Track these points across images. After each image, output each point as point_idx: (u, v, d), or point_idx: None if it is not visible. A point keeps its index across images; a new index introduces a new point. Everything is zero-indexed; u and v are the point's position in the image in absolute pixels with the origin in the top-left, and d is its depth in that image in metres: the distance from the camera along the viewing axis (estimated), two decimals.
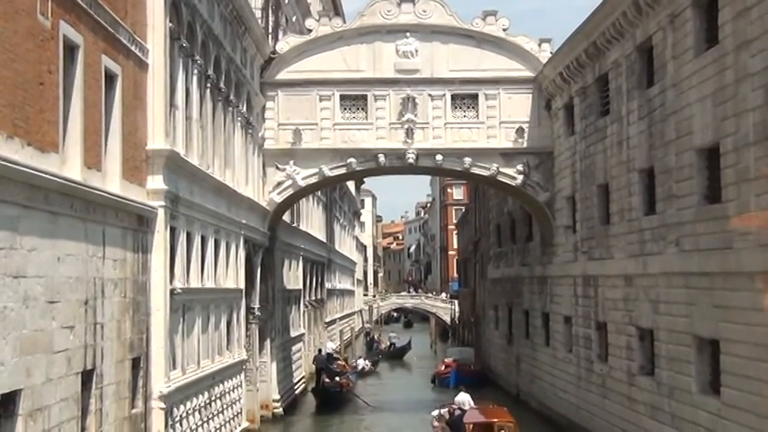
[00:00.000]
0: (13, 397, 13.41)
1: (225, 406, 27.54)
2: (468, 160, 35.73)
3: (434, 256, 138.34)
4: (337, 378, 44.45)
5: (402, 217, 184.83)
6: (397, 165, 36.48)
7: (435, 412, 32.28)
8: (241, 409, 30.15)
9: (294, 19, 44.38)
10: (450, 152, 35.86)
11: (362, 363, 59.18)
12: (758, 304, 18.82)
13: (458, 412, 29.32)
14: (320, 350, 49.54)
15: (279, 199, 35.72)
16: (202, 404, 24.59)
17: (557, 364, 35.22)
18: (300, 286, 47.37)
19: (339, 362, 51.60)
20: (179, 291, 22.10)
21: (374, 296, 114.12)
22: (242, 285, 30.47)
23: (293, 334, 44.03)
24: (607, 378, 28.93)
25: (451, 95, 36.00)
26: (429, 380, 51.65)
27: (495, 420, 28.69)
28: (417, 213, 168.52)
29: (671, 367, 23.62)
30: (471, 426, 28.49)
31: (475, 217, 59.93)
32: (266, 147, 35.28)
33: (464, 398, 31.03)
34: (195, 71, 24.90)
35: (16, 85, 13.85)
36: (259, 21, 33.29)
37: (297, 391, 43.74)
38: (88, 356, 16.49)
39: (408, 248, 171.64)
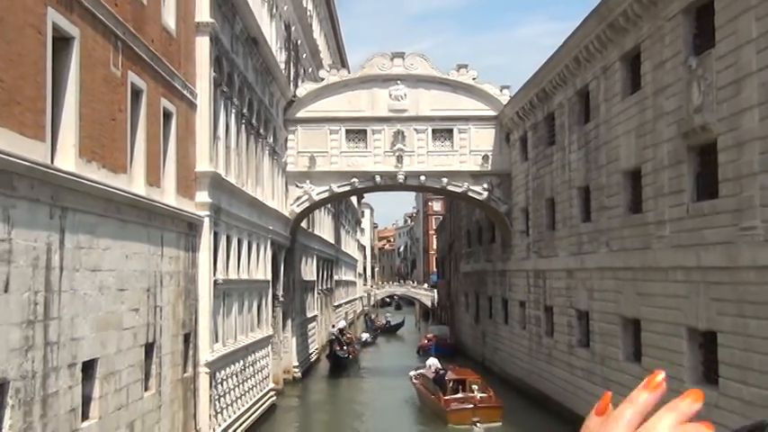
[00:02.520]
0: (92, 364, 13.50)
1: (256, 371, 27.51)
2: (445, 180, 35.75)
3: (418, 255, 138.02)
4: (345, 347, 44.64)
5: (393, 224, 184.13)
6: (390, 183, 36.52)
7: (412, 372, 33.24)
8: (268, 374, 30.14)
9: (310, 70, 44.44)
10: (431, 174, 35.86)
11: (366, 336, 60.57)
12: (667, 292, 18.90)
13: (441, 372, 30.09)
14: (334, 326, 50.11)
15: (298, 210, 35.73)
16: (238, 370, 24.57)
17: (513, 339, 35.20)
18: (314, 278, 47.32)
19: (348, 335, 51.74)
20: (220, 281, 22.10)
21: (371, 286, 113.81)
22: (269, 277, 30.48)
23: (309, 315, 43.96)
24: (552, 349, 28.97)
25: (432, 130, 36.01)
26: (415, 350, 51.60)
27: (467, 377, 29.42)
28: (405, 221, 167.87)
29: (602, 341, 23.68)
30: (451, 381, 29.05)
31: (450, 224, 59.89)
32: (288, 170, 35.27)
33: (433, 361, 32.15)
34: (233, 110, 24.93)
35: (94, 120, 13.91)
36: (283, 71, 33.33)
37: (312, 360, 43.67)
38: (150, 332, 16.52)
39: (398, 249, 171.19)
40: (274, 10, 32.66)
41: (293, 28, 38.55)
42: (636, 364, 21.14)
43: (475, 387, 28.39)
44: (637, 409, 0.88)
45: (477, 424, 26.33)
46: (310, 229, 44.81)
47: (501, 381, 34.14)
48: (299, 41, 40.72)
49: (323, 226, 52.35)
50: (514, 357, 35.03)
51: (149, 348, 16.50)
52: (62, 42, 12.90)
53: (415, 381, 32.15)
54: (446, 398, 27.65)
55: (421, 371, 32.36)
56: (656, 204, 19.78)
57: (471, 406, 26.95)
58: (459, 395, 27.99)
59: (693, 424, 0.86)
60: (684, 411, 0.85)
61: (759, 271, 15.03)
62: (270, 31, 31.01)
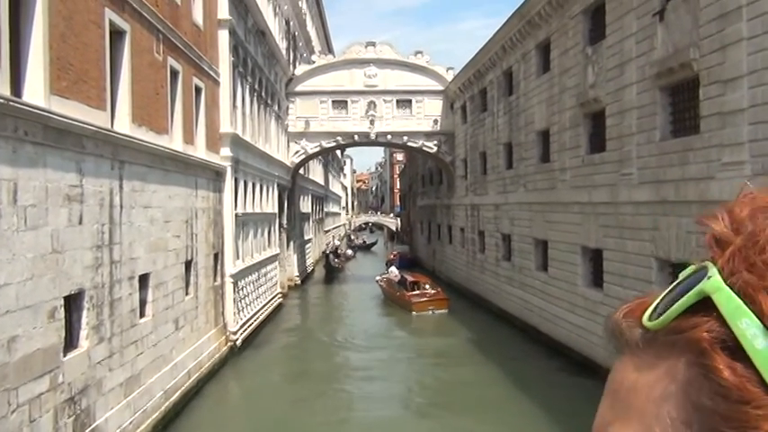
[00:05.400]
0: (146, 276, 13.44)
1: (267, 280, 27.56)
2: (405, 138, 35.60)
3: (386, 193, 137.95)
4: (337, 260, 44.91)
5: (368, 169, 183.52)
6: (365, 140, 36.20)
7: (378, 277, 33.81)
8: (276, 281, 30.16)
9: (305, 55, 43.59)
10: (395, 133, 35.62)
11: (350, 252, 60.12)
12: (568, 221, 19.13)
13: (403, 277, 30.73)
14: (328, 244, 50.39)
15: (297, 160, 35.40)
16: (254, 279, 24.61)
17: (455, 255, 35.54)
18: (310, 210, 47.21)
19: (339, 251, 51.93)
20: (240, 214, 21.97)
21: (351, 216, 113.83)
22: (276, 210, 30.32)
23: (306, 238, 43.91)
24: (484, 262, 29.31)
25: (396, 100, 35.64)
26: (384, 263, 51.84)
27: (421, 280, 30.24)
28: (376, 168, 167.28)
29: (520, 256, 23.99)
30: (409, 282, 29.81)
31: (409, 170, 59.81)
32: (289, 130, 34.80)
33: (393, 269, 32.96)
34: (247, 86, 24.46)
35: (143, 94, 13.61)
36: (284, 56, 32.69)
37: (309, 271, 43.80)
38: (189, 252, 16.46)
39: (371, 188, 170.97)
40: (277, 9, 31.82)
41: (291, 22, 37.66)
42: (544, 272, 21.48)
43: (427, 286, 29.25)
44: None
45: (432, 311, 27.06)
46: (306, 175, 44.55)
47: (446, 284, 34.54)
48: (296, 33, 39.82)
49: (315, 172, 52.07)
50: (456, 268, 35.43)
51: (188, 264, 16.48)
52: (117, 35, 12.53)
53: (381, 283, 32.67)
54: (409, 293, 28.38)
55: (385, 276, 32.85)
56: (560, 156, 19.87)
57: (426, 299, 27.70)
58: (417, 291, 28.68)
59: None
60: None
61: (634, 205, 15.25)
62: (274, 25, 30.25)
